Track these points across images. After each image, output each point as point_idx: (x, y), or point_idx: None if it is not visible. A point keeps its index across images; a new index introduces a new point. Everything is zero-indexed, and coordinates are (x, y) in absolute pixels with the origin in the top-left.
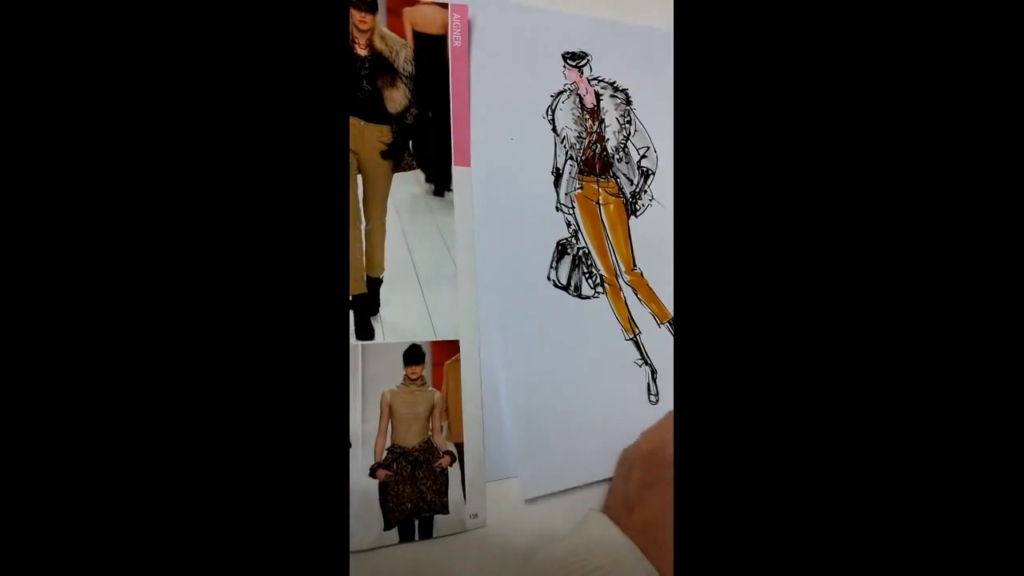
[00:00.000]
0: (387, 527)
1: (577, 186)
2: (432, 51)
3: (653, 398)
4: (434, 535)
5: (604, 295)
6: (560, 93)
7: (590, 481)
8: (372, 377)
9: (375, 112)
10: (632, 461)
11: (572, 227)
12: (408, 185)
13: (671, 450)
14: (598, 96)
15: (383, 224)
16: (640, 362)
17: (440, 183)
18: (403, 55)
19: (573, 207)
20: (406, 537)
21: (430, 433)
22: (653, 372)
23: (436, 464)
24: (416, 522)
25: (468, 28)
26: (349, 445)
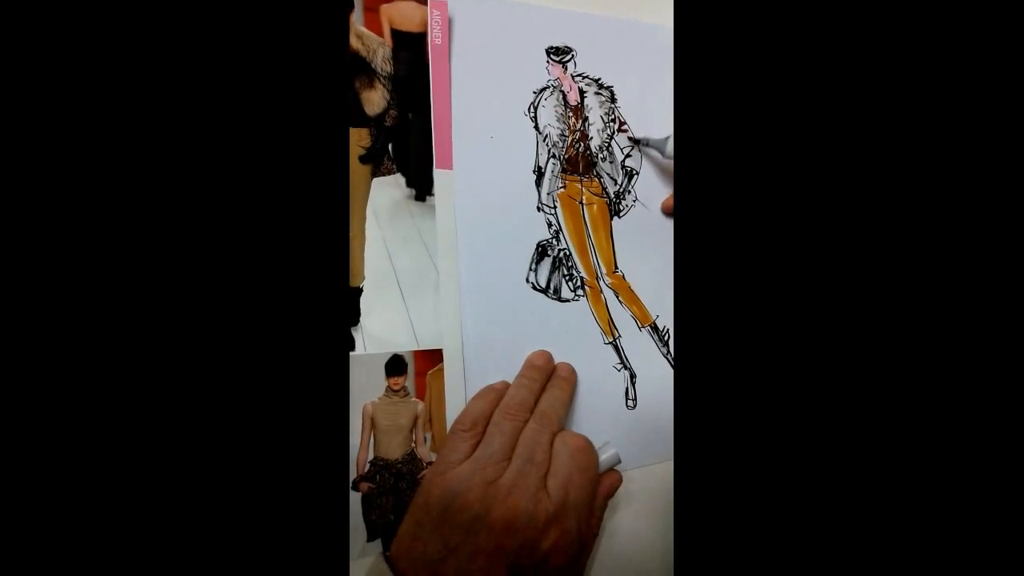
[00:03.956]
0: (370, 539)
1: (560, 185)
2: (411, 50)
3: (631, 403)
4: None
5: (584, 298)
6: (543, 90)
7: None
8: (353, 389)
9: (353, 115)
10: (420, 517)
11: (553, 228)
12: (388, 190)
13: (470, 498)
14: (582, 93)
15: (363, 231)
16: (619, 366)
17: (421, 187)
18: (381, 54)
19: (555, 207)
20: (390, 548)
21: (413, 444)
22: (632, 376)
23: (420, 476)
24: None
25: (448, 25)
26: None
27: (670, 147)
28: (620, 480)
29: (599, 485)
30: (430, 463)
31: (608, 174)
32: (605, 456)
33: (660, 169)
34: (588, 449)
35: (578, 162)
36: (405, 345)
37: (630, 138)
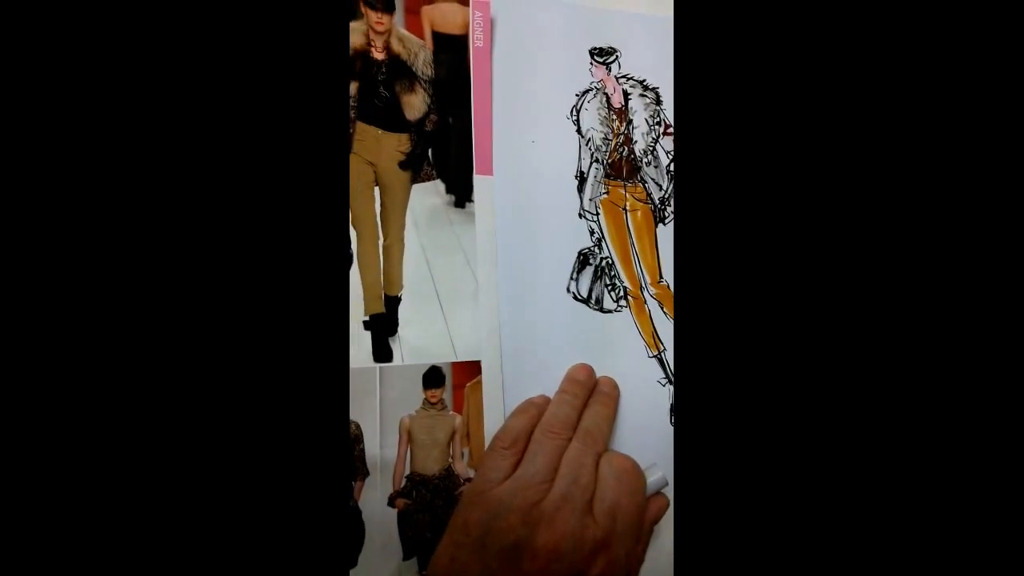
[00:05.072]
0: (406, 557)
1: (603, 191)
2: (453, 52)
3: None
4: None
5: (627, 309)
6: (586, 92)
7: None
8: (390, 401)
9: (393, 120)
10: (458, 539)
11: (596, 235)
12: (427, 197)
13: (512, 521)
14: (626, 95)
15: (401, 239)
16: (664, 381)
17: (461, 194)
18: (422, 57)
19: (598, 213)
20: (426, 567)
21: (450, 460)
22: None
23: (457, 492)
24: None
25: (491, 27)
26: (367, 474)
27: None
28: (667, 504)
29: (646, 511)
30: (468, 480)
31: (653, 179)
32: (653, 479)
33: None
34: (635, 472)
35: (622, 167)
36: (443, 356)
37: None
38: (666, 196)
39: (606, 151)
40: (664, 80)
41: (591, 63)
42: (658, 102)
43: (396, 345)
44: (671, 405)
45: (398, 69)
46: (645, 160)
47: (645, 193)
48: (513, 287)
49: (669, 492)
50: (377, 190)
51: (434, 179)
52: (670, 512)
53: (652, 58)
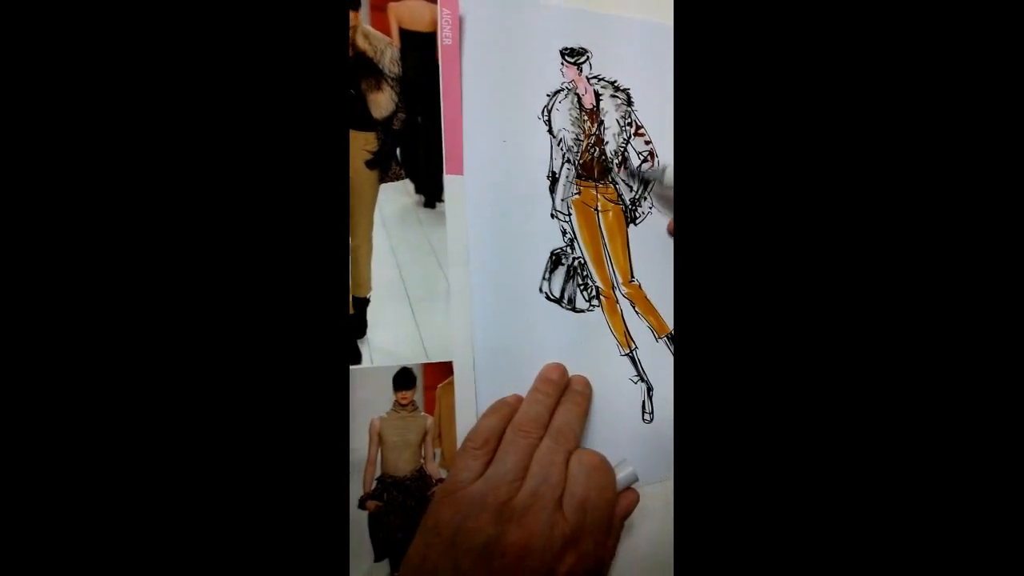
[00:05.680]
0: (378, 559)
1: (575, 191)
2: (420, 50)
3: (648, 416)
4: None
5: (600, 308)
6: (557, 92)
7: None
8: (360, 403)
9: (359, 118)
10: (430, 540)
11: (568, 235)
12: (396, 197)
13: (483, 520)
14: (598, 96)
15: (370, 240)
16: (636, 379)
17: (431, 193)
18: (389, 55)
19: (570, 214)
20: (398, 569)
21: (422, 461)
22: (649, 389)
23: (429, 493)
24: None
25: (459, 24)
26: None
27: (669, 176)
28: (637, 499)
29: (616, 505)
30: (440, 480)
31: (624, 180)
32: (623, 474)
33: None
34: (605, 468)
35: (593, 167)
36: (414, 358)
37: (627, 169)
38: (637, 196)
39: (578, 152)
40: (635, 82)
41: (562, 63)
42: (629, 103)
43: (365, 347)
44: (643, 402)
45: (364, 67)
46: (616, 161)
47: (616, 194)
48: (485, 287)
49: (667, 489)
50: None
51: (403, 178)
52: (655, 509)
53: (623, 60)
